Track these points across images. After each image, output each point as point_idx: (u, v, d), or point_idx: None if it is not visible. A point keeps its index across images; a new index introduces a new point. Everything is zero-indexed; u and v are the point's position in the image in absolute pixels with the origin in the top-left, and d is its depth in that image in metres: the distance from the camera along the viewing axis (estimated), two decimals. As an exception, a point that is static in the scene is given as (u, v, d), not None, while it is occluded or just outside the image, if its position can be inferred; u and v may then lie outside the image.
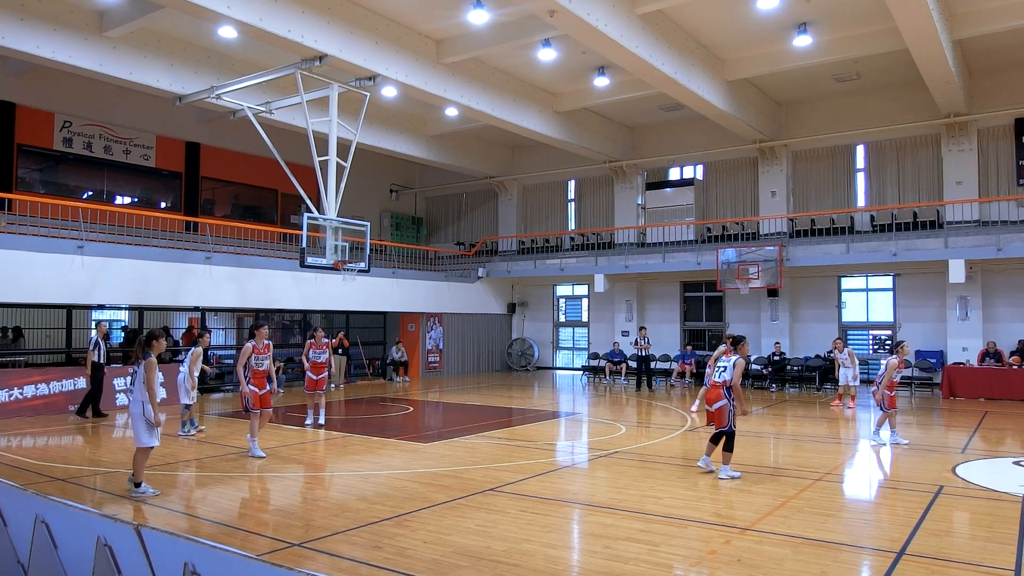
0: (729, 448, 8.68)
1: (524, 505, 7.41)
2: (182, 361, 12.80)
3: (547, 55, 17.01)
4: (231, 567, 3.41)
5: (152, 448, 7.72)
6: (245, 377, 9.98)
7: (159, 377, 7.72)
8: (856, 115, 21.00)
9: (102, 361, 13.97)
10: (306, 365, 13.05)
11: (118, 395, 15.41)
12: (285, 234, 21.83)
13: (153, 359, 7.63)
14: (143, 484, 7.72)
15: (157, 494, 7.71)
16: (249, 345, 10.10)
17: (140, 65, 15.59)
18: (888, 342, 20.75)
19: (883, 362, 11.30)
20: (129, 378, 7.71)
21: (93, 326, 15.47)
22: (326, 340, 13.24)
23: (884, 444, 11.07)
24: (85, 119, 19.79)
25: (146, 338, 7.76)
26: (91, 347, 13.90)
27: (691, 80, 16.95)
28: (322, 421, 12.99)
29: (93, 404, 13.96)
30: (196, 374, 12.06)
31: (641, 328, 20.98)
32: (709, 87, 17.78)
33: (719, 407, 8.66)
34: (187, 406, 11.95)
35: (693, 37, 17.01)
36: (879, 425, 11.31)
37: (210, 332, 12.74)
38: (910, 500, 7.75)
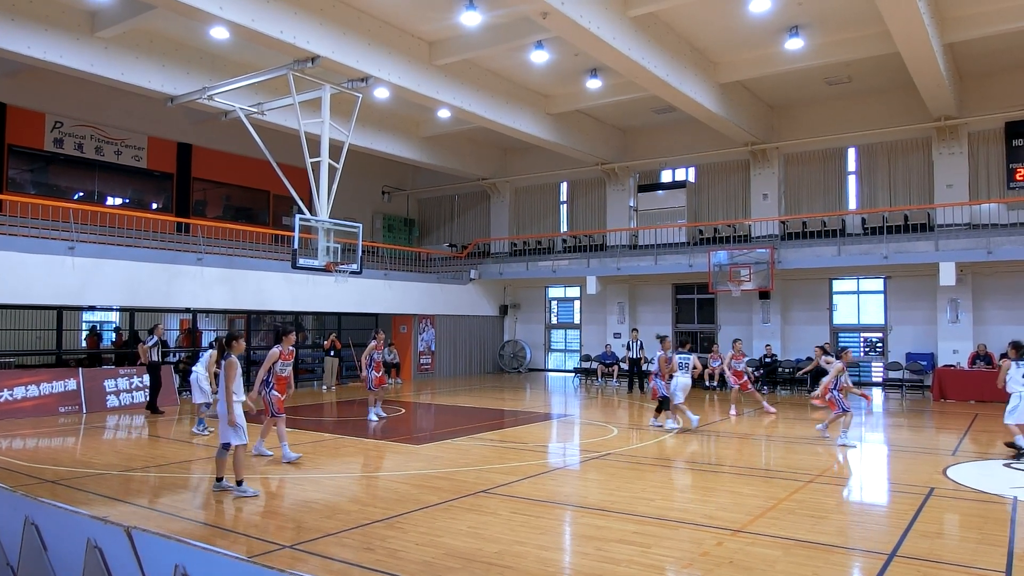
0: (663, 408, 12.89)
1: (516, 507, 7.40)
2: (173, 362, 12.82)
3: (540, 57, 17.03)
4: (222, 569, 3.39)
5: (246, 445, 7.90)
6: (268, 382, 9.80)
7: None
8: (847, 118, 21.10)
9: (159, 360, 14.94)
10: (364, 365, 13.78)
11: (108, 396, 15.35)
12: (277, 235, 21.76)
13: (234, 359, 7.80)
14: (244, 483, 7.83)
15: (257, 493, 7.80)
16: (276, 350, 9.90)
17: (132, 66, 15.53)
18: (879, 344, 20.85)
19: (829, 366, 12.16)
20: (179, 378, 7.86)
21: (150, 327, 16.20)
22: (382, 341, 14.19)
23: (851, 445, 11.21)
24: (76, 120, 19.69)
25: (226, 339, 7.93)
26: (150, 344, 14.77)
27: (683, 83, 17.00)
28: (382, 414, 14.24)
29: (152, 400, 14.93)
30: (212, 374, 12.20)
31: (633, 330, 21.02)
32: (701, 90, 17.83)
33: (652, 387, 13.23)
34: (206, 404, 12.07)
35: (685, 40, 17.06)
36: (830, 424, 11.86)
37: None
38: (901, 502, 7.78)
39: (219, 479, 7.94)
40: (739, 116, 20.06)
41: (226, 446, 7.81)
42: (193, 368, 12.48)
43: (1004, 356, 11.33)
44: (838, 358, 11.97)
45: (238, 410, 7.74)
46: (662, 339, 13.33)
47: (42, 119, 19.14)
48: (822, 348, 15.28)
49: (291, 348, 10.14)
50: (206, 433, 11.93)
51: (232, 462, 7.86)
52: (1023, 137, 18.94)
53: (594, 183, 25.97)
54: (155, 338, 14.99)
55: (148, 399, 15.13)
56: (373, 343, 13.92)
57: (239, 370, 7.93)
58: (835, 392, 11.51)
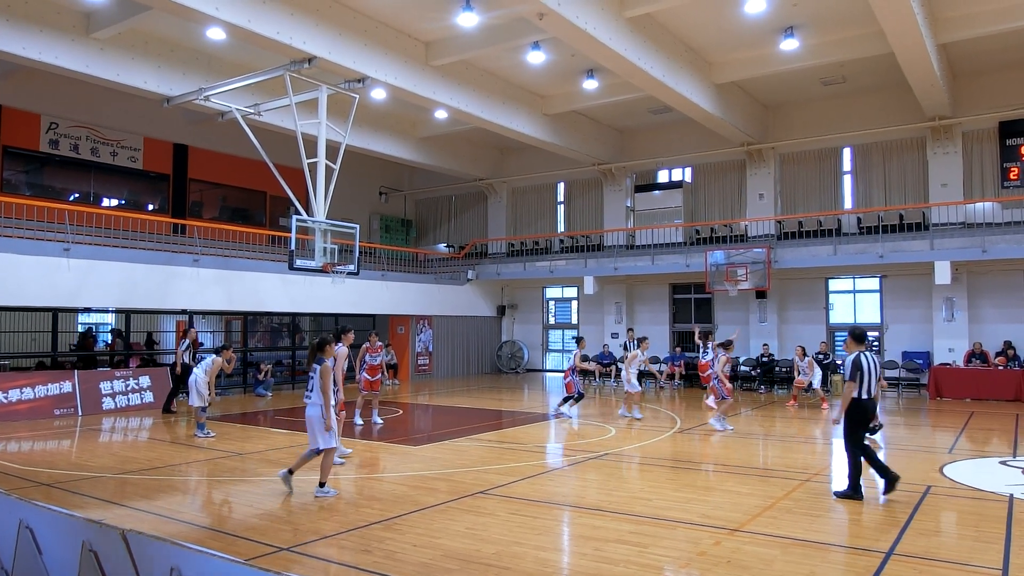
0: (567, 401, 14.67)
1: (514, 508, 7.40)
2: (170, 364, 12.74)
3: (536, 58, 17.03)
4: (218, 572, 3.39)
5: (334, 449, 7.96)
6: (362, 367, 11.43)
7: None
8: (842, 118, 21.14)
9: (191, 363, 14.95)
10: (356, 367, 13.71)
11: (104, 399, 15.31)
12: (274, 236, 21.73)
13: (328, 364, 7.85)
14: (327, 485, 7.90)
15: (336, 494, 7.86)
16: (342, 349, 10.09)
17: (127, 66, 15.49)
18: (875, 343, 20.89)
19: (720, 355, 13.45)
20: (308, 382, 7.99)
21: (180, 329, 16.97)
22: (380, 344, 13.94)
23: (728, 429, 12.61)
24: (72, 120, 19.64)
25: (318, 344, 7.97)
26: (183, 349, 15.28)
27: (679, 83, 17.01)
28: (379, 420, 13.74)
29: (168, 401, 15.46)
30: (212, 380, 12.11)
31: (629, 330, 21.03)
32: (697, 90, 17.85)
33: (568, 382, 14.57)
34: (203, 408, 12.01)
35: (681, 40, 17.07)
36: (723, 414, 13.03)
37: (230, 349, 13.07)
38: (898, 500, 7.79)
39: (291, 473, 8.01)
40: (735, 116, 20.09)
41: (316, 450, 7.85)
42: (192, 370, 12.41)
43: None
44: (724, 349, 13.39)
45: (332, 414, 7.84)
46: (578, 340, 15.57)
47: (37, 120, 19.08)
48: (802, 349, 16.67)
49: (378, 343, 10.66)
50: (212, 436, 11.90)
51: (321, 463, 7.91)
52: (1016, 136, 19.01)
53: (591, 183, 25.98)
54: (187, 341, 15.35)
55: (166, 400, 15.57)
56: (366, 346, 13.67)
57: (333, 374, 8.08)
58: (716, 381, 12.95)
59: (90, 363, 17.67)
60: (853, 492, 7.69)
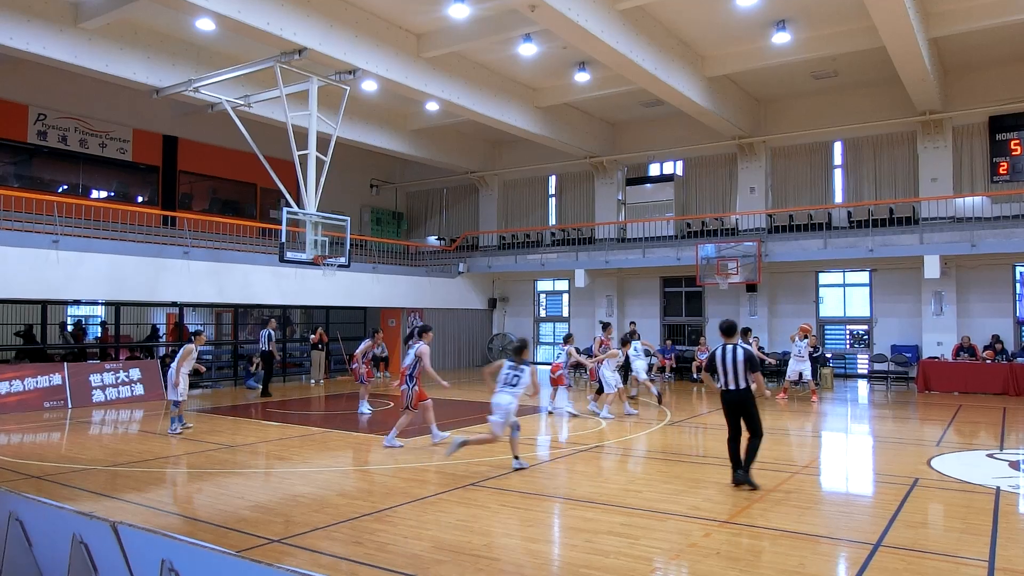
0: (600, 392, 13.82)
1: (505, 500, 7.42)
2: (161, 356, 12.69)
3: (528, 50, 16.98)
4: (209, 564, 3.39)
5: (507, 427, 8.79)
6: (413, 377, 10.37)
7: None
8: (834, 112, 21.20)
9: (272, 350, 17.20)
10: (358, 360, 14.46)
11: (94, 391, 15.24)
12: (264, 229, 21.64)
13: (535, 367, 8.89)
14: (520, 458, 8.92)
15: (527, 467, 8.83)
16: (425, 347, 10.31)
17: (116, 57, 15.36)
18: (865, 336, 21.03)
19: (565, 349, 14.37)
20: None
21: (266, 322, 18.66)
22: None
23: (572, 413, 13.74)
24: (60, 112, 19.48)
25: (520, 346, 9.28)
26: (265, 339, 17.04)
27: (671, 76, 17.01)
28: (366, 411, 14.16)
29: (265, 384, 17.33)
30: (186, 371, 11.74)
31: (632, 323, 21.03)
32: (689, 83, 17.86)
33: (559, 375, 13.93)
34: (176, 402, 11.76)
35: (673, 33, 17.07)
36: (601, 405, 13.72)
37: (202, 333, 12.92)
38: (886, 492, 7.86)
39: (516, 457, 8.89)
40: (726, 110, 20.11)
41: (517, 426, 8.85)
42: (170, 364, 12.27)
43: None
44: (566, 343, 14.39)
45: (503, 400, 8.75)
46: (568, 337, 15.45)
47: (25, 111, 18.91)
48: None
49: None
50: (190, 427, 11.86)
51: (511, 443, 8.86)
52: (1006, 131, 19.09)
53: (582, 176, 25.98)
54: (268, 331, 17.11)
55: (262, 386, 17.34)
56: (370, 342, 14.41)
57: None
58: (566, 370, 13.75)
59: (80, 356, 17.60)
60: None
